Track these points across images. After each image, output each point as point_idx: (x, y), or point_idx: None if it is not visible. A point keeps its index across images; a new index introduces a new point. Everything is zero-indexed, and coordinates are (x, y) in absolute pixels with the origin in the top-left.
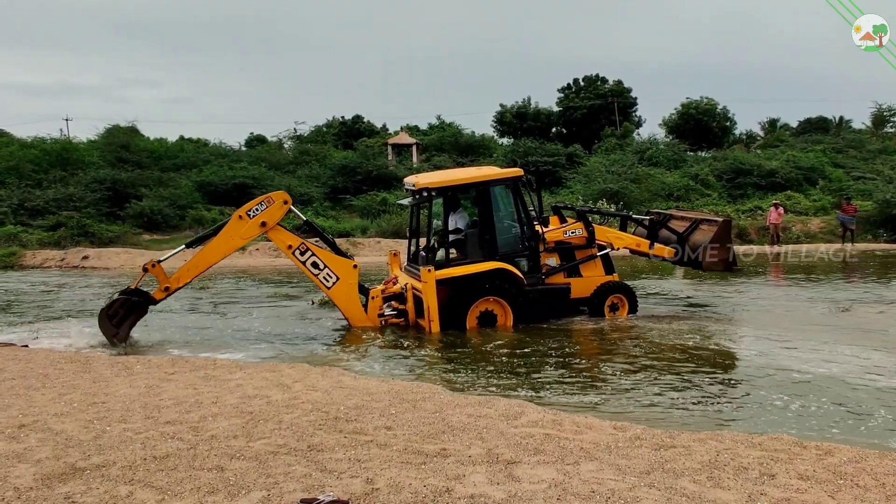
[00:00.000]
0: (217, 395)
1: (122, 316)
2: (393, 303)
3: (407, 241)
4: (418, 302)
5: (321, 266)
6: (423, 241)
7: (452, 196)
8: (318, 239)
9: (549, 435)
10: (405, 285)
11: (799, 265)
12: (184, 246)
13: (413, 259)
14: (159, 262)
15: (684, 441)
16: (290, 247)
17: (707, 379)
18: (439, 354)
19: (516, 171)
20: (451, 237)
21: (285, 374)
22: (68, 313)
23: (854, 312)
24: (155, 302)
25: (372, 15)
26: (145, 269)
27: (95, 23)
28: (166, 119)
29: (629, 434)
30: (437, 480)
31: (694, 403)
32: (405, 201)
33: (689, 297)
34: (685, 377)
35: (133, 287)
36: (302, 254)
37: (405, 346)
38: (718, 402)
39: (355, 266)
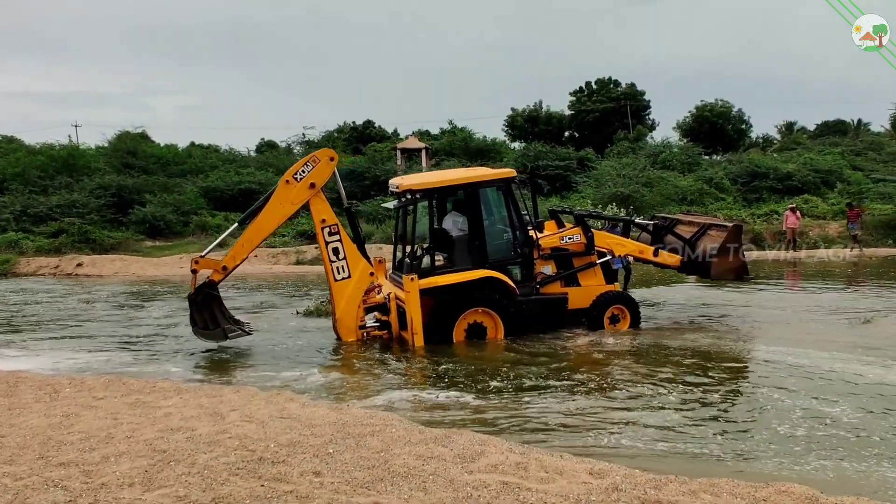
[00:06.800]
0: (136, 426)
1: (208, 316)
2: (376, 314)
3: (392, 247)
4: (403, 313)
5: (341, 255)
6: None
7: (439, 199)
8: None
9: (507, 484)
10: (388, 295)
11: (810, 271)
12: (236, 224)
13: (398, 267)
14: (202, 257)
15: (671, 494)
16: (323, 221)
17: (712, 404)
18: (417, 373)
19: (508, 172)
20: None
21: (225, 400)
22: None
23: (876, 324)
24: (216, 284)
25: (383, 21)
26: (193, 271)
27: (115, 32)
28: (185, 126)
29: (606, 483)
30: None
31: (694, 435)
32: (390, 204)
33: (696, 308)
34: (688, 401)
35: (193, 290)
36: (331, 234)
37: (381, 362)
38: (723, 433)
39: (372, 273)
